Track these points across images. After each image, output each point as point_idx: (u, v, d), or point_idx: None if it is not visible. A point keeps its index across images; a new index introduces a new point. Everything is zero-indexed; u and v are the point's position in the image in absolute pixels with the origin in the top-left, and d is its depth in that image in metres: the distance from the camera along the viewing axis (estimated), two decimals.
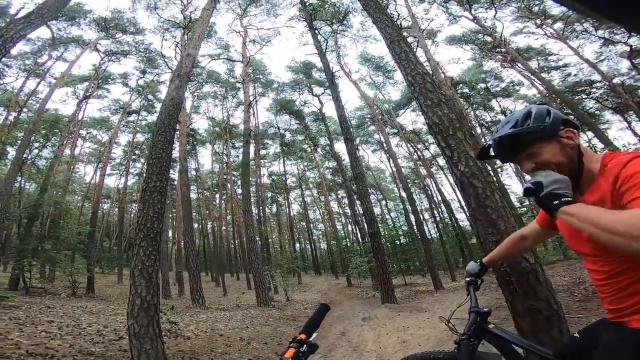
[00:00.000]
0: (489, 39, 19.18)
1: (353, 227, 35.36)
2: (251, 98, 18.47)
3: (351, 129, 14.09)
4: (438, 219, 27.54)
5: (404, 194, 31.58)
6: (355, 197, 20.92)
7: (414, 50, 4.49)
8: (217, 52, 20.75)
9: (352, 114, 26.24)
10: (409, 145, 25.70)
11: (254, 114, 21.36)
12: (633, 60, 16.59)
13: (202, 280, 12.37)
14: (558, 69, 20.26)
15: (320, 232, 47.70)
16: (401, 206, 34.60)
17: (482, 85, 22.96)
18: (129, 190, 28.51)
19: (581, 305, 5.16)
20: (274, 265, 14.79)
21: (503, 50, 18.14)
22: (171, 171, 15.00)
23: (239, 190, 27.77)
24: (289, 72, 24.25)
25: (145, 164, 4.40)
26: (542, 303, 2.82)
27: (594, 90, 19.69)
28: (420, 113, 22.33)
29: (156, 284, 3.52)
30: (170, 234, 30.62)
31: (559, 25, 17.93)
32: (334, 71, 14.17)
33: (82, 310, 7.72)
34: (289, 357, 0.97)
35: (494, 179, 3.71)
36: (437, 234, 27.01)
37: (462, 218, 31.28)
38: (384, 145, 28.08)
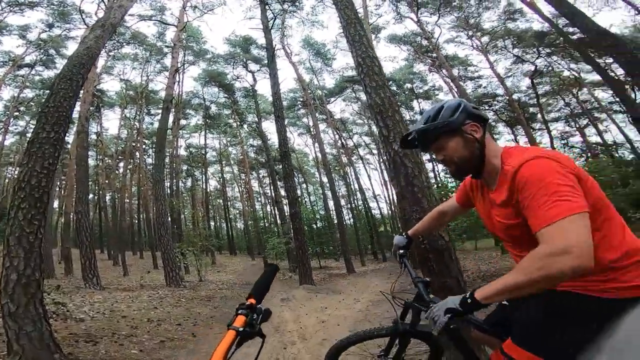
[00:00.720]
0: (425, 42, 20.51)
1: (272, 207, 35.24)
2: (179, 65, 16.54)
3: (283, 109, 13.79)
4: (353, 206, 29.16)
5: (325, 179, 32.59)
6: (277, 177, 20.85)
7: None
8: (149, 13, 17.89)
9: (284, 95, 25.80)
10: (335, 133, 26.42)
11: (179, 81, 19.20)
12: (533, 80, 19.72)
13: (97, 258, 10.80)
14: (473, 80, 23.09)
15: (237, 211, 46.41)
16: (321, 191, 35.74)
17: (409, 85, 24.70)
18: (6, 150, 23.28)
19: None
20: (186, 243, 13.73)
21: (434, 55, 19.65)
22: None
23: (150, 160, 24.99)
24: (226, 44, 22.64)
25: (38, 114, 3.45)
26: (454, 280, 3.10)
27: (495, 102, 23.04)
28: (349, 103, 22.99)
29: (39, 255, 2.80)
30: (56, 205, 26.02)
31: (485, 39, 20.23)
32: (275, 49, 13.64)
33: None
34: (240, 326, 0.81)
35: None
36: (352, 221, 28.65)
37: (374, 207, 33.88)
38: (312, 129, 28.41)
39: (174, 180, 20.70)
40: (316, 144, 28.47)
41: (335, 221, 31.44)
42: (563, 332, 1.06)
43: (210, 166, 29.29)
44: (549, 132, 21.89)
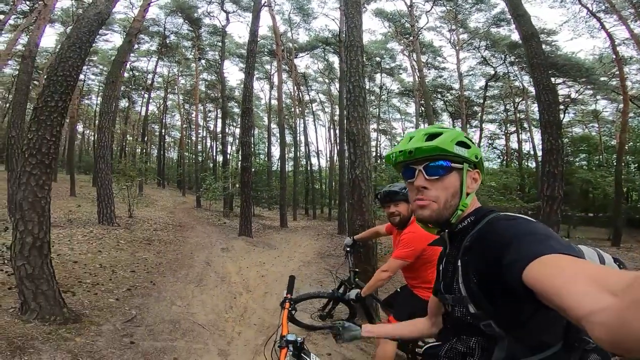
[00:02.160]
0: (408, 25, 20.59)
1: (212, 143, 34.12)
2: None
3: (254, 67, 13.30)
4: (297, 156, 29.57)
5: (274, 126, 32.38)
6: (227, 120, 20.23)
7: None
8: None
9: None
10: (294, 85, 26.16)
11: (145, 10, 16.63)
12: (488, 82, 21.68)
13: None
14: (437, 69, 24.77)
15: (172, 140, 43.58)
16: (265, 135, 35.06)
17: (378, 59, 24.86)
18: None
19: None
20: (123, 176, 12.71)
21: (412, 38, 19.90)
22: None
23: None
24: None
25: (46, 80, 3.39)
26: (370, 266, 4.43)
27: (448, 95, 25.29)
28: (316, 61, 22.62)
29: (49, 218, 3.13)
30: None
31: (464, 36, 21.56)
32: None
33: None
34: None
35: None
36: (292, 173, 29.28)
37: (315, 163, 35.13)
38: (272, 77, 27.51)
39: (114, 104, 18.58)
40: (273, 92, 27.86)
41: (274, 168, 32.06)
42: (411, 310, 2.16)
43: (153, 91, 26.86)
44: (481, 131, 25.07)
